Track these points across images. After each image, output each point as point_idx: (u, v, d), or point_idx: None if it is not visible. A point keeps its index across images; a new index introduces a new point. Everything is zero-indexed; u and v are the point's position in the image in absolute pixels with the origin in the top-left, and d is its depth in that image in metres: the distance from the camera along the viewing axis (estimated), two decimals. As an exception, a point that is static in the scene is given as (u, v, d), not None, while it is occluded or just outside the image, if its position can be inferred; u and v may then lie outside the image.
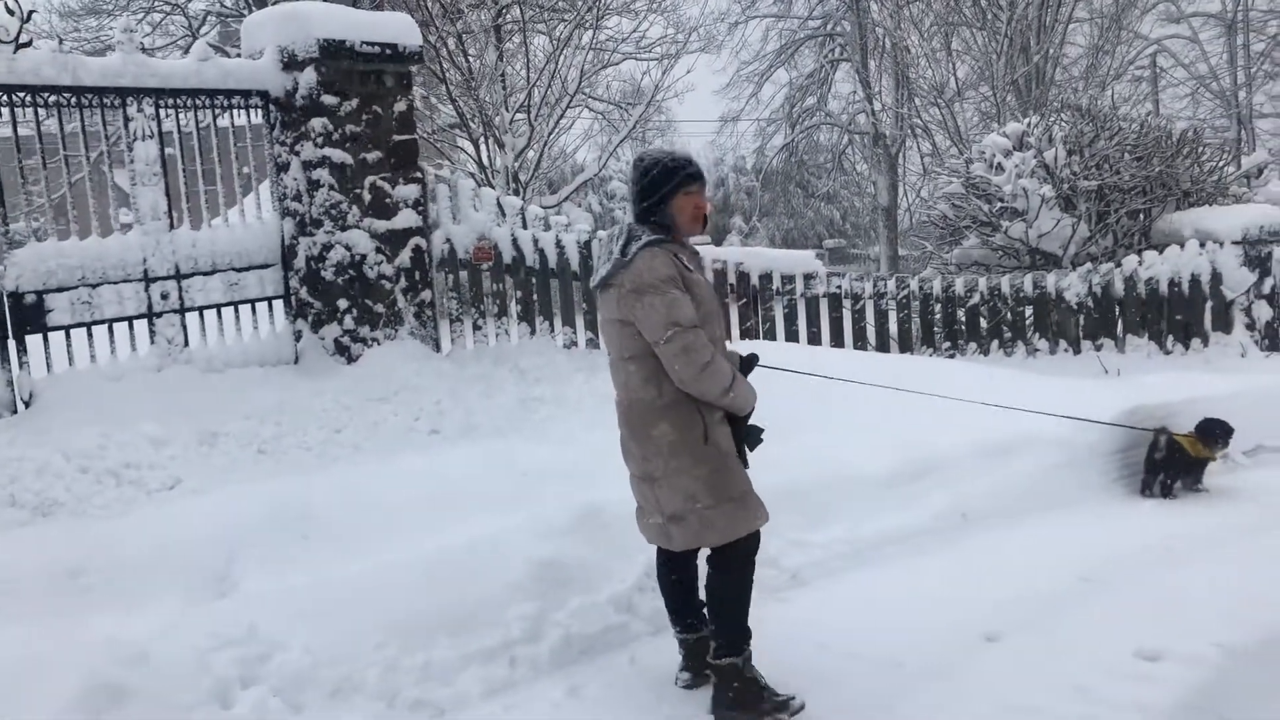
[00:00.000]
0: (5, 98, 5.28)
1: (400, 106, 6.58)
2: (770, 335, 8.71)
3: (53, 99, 5.42)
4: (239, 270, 6.13)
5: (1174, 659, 3.75)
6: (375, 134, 6.45)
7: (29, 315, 5.33)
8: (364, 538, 4.36)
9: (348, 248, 6.32)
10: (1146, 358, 9.43)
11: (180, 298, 5.86)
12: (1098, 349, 9.52)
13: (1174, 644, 3.84)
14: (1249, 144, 21.83)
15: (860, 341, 9.24)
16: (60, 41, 5.87)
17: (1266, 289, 9.71)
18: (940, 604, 4.35)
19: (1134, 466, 6.19)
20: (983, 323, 9.58)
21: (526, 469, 5.09)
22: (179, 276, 5.85)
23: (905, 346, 9.44)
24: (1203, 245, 9.68)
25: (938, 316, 9.60)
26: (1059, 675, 3.65)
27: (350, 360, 6.35)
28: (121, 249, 5.66)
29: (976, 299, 9.53)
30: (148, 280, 5.74)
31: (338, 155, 6.27)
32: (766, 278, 8.80)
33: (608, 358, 3.64)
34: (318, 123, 6.21)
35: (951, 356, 9.33)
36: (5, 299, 5.26)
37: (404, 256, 6.60)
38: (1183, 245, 9.72)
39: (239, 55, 6.66)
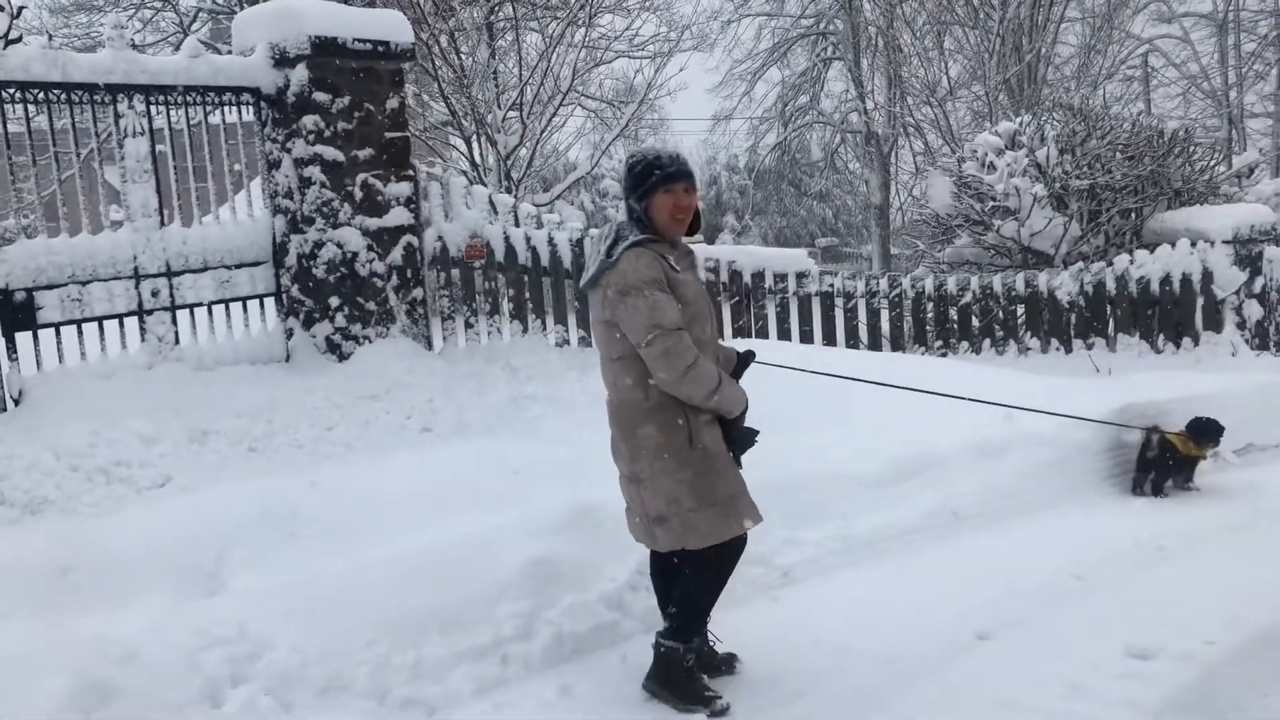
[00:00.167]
0: (-5, 94, 5.25)
1: (392, 104, 6.56)
2: (763, 334, 8.71)
3: (43, 96, 5.40)
4: (230, 268, 6.11)
5: (1165, 657, 3.77)
6: (367, 131, 6.43)
7: (19, 312, 5.31)
8: (355, 536, 4.35)
9: (339, 245, 6.31)
10: (1138, 356, 9.46)
11: (171, 295, 5.84)
12: (1089, 348, 9.55)
13: (1165, 642, 3.85)
14: (1240, 143, 21.90)
15: (853, 340, 9.25)
16: (50, 38, 5.85)
17: (1257, 288, 9.74)
18: (932, 602, 4.36)
19: (1125, 465, 6.21)
20: (975, 321, 9.59)
21: (518, 467, 5.08)
22: (170, 274, 5.83)
23: (897, 345, 9.45)
24: (1194, 244, 9.71)
25: (930, 315, 9.61)
26: (1050, 673, 3.66)
27: (342, 358, 6.33)
28: (112, 246, 5.64)
29: (969, 298, 9.55)
30: (138, 278, 5.71)
31: (329, 152, 6.25)
32: (759, 276, 8.80)
33: (599, 356, 3.64)
34: (309, 120, 6.20)
35: (944, 355, 9.35)
36: (-6, 296, 5.23)
37: (396, 254, 6.58)
38: (1174, 244, 9.75)
39: (230, 52, 6.63)
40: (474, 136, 14.01)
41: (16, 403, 5.25)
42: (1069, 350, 9.57)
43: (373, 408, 5.96)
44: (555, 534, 4.33)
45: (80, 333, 5.54)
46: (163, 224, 5.83)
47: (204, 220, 6.19)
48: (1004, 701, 3.48)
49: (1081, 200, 10.63)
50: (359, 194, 6.39)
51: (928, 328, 9.63)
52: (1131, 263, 9.70)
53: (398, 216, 6.58)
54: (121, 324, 5.70)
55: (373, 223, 6.46)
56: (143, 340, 5.75)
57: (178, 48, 6.44)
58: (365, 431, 5.75)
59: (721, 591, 3.61)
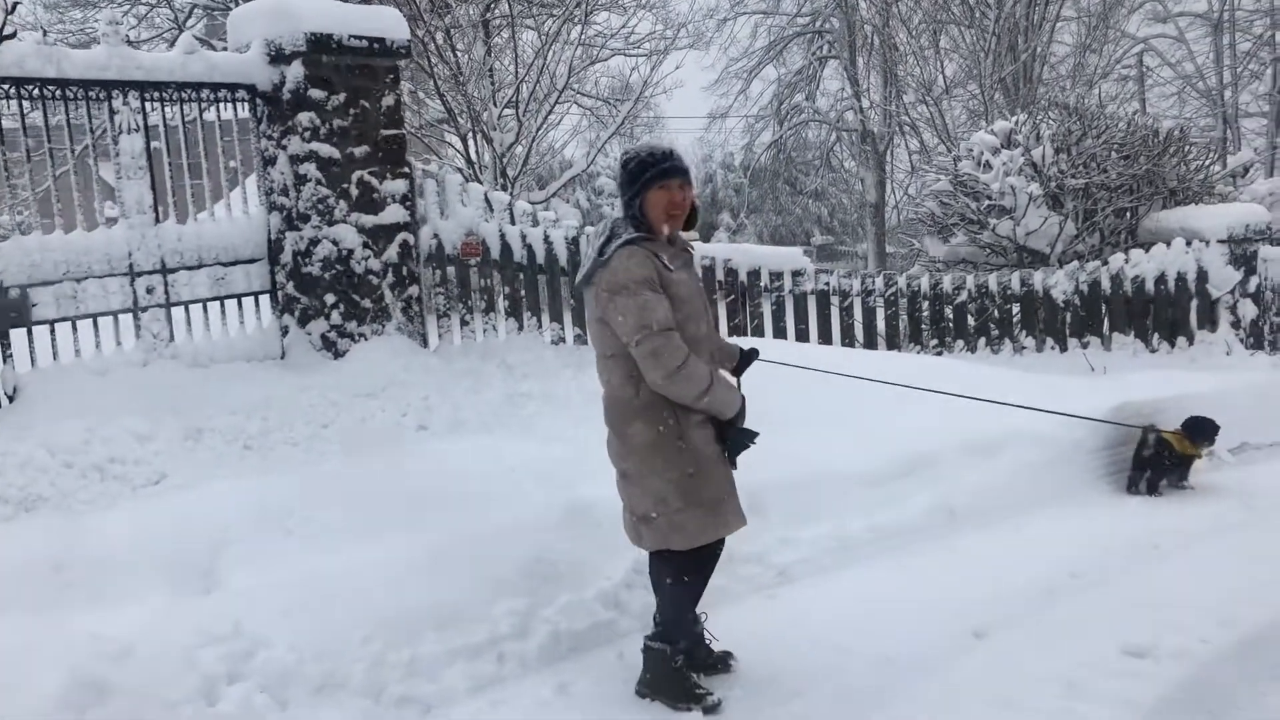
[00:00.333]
0: (-11, 90, 5.24)
1: (388, 101, 6.54)
2: (758, 332, 8.71)
3: (37, 91, 5.38)
4: (225, 265, 6.09)
5: (1160, 655, 3.78)
6: (363, 128, 6.42)
7: (13, 309, 5.29)
8: (350, 534, 4.34)
9: (335, 242, 6.29)
10: (1132, 355, 9.47)
11: (166, 292, 5.82)
12: (1084, 347, 9.56)
13: (1161, 640, 3.86)
14: (1235, 143, 21.95)
15: (848, 339, 9.25)
16: (45, 34, 5.82)
17: (1252, 287, 9.76)
18: (929, 600, 4.37)
19: (1120, 463, 6.22)
20: (970, 320, 9.60)
21: (514, 465, 5.08)
22: (164, 271, 5.81)
23: (893, 344, 9.46)
24: (1188, 244, 9.72)
25: (925, 314, 9.62)
26: (1047, 671, 3.66)
27: (337, 356, 6.32)
28: (107, 243, 5.62)
29: (964, 297, 9.56)
30: (133, 275, 5.70)
31: (325, 150, 6.24)
32: (754, 275, 8.80)
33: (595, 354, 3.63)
34: (305, 117, 6.18)
35: (939, 354, 9.35)
36: (-11, 293, 5.22)
37: (391, 252, 6.57)
38: (1169, 243, 9.76)
39: (226, 48, 6.61)
40: (470, 134, 13.99)
41: (11, 399, 5.23)
42: (1064, 349, 9.58)
43: (368, 405, 5.95)
44: (552, 532, 4.33)
45: (75, 330, 5.53)
46: (158, 221, 5.82)
47: (199, 217, 6.17)
48: (1001, 700, 3.48)
49: (1077, 199, 10.64)
50: (355, 191, 6.38)
51: (923, 326, 9.63)
52: (1126, 262, 9.71)
53: (393, 214, 6.57)
54: (116, 321, 5.68)
55: (368, 220, 6.44)
56: (137, 337, 5.73)
57: (173, 44, 6.42)
58: (361, 429, 5.74)
59: (702, 592, 3.62)
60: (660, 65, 17.24)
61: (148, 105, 5.78)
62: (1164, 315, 9.67)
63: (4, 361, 5.26)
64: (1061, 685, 3.56)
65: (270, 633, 3.61)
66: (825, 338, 9.09)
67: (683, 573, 3.53)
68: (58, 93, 5.45)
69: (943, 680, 3.66)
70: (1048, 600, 4.35)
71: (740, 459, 3.55)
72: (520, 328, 7.37)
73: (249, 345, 6.18)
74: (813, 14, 24.45)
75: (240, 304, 6.22)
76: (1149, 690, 3.52)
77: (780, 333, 8.85)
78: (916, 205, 13.60)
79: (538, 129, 15.35)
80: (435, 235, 6.96)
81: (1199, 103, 23.33)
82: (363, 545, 4.22)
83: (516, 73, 14.84)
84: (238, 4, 6.48)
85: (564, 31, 15.01)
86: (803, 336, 8.97)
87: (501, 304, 7.37)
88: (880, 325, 9.46)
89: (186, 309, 5.94)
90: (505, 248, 7.27)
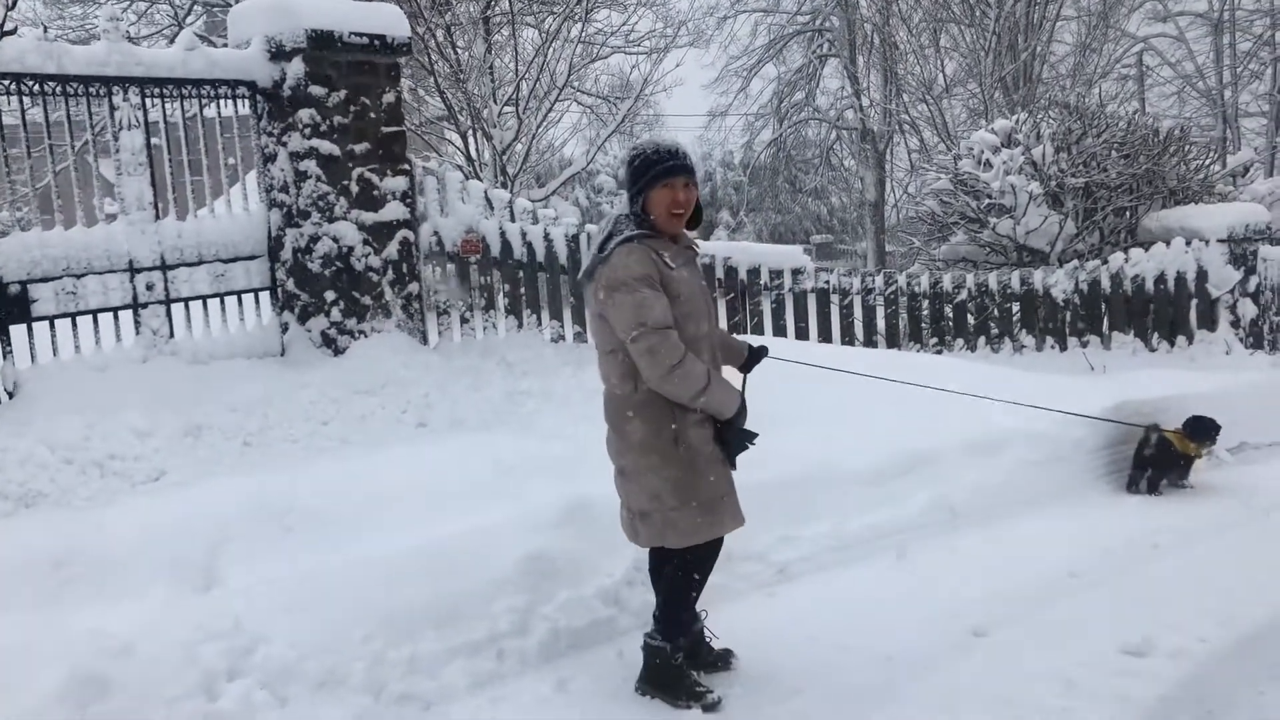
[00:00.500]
0: (-11, 86, 5.23)
1: (388, 98, 6.54)
2: (758, 330, 8.70)
3: (38, 87, 5.38)
4: (225, 261, 6.09)
5: (1159, 654, 3.78)
6: (363, 125, 6.42)
7: (13, 305, 5.29)
8: (350, 531, 4.35)
9: (335, 239, 6.29)
10: (1132, 355, 9.47)
11: (166, 289, 5.82)
12: (1084, 346, 9.56)
13: (1159, 639, 3.87)
14: (1235, 143, 21.94)
15: (848, 337, 9.25)
16: (45, 30, 5.82)
17: (1251, 287, 9.77)
18: (928, 599, 4.37)
19: (1119, 462, 6.22)
20: (970, 319, 9.59)
21: (514, 462, 5.07)
22: (164, 267, 5.81)
23: (893, 342, 9.45)
24: (1188, 243, 9.73)
25: (925, 313, 9.61)
26: (1046, 669, 3.67)
27: (337, 353, 6.32)
28: (106, 239, 5.62)
29: (964, 295, 9.55)
30: (133, 271, 5.69)
31: (325, 146, 6.24)
32: (754, 273, 8.79)
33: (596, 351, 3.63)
34: (305, 113, 6.18)
35: (939, 353, 9.35)
36: (-11, 289, 5.22)
37: (391, 249, 6.57)
38: (1168, 243, 9.76)
39: (226, 45, 6.61)
40: (470, 131, 13.99)
41: (11, 396, 5.23)
42: (1064, 348, 9.58)
43: (368, 402, 5.95)
44: (551, 529, 4.33)
45: (75, 326, 5.53)
46: (158, 217, 5.82)
47: (199, 214, 6.17)
48: (1000, 698, 3.48)
49: (1077, 198, 10.64)
50: (355, 188, 6.38)
51: (923, 325, 9.62)
52: (1126, 261, 9.71)
53: (394, 211, 6.57)
54: (116, 317, 5.68)
55: (369, 217, 6.44)
56: (137, 334, 5.73)
57: (173, 40, 6.42)
58: (360, 426, 5.74)
59: (701, 591, 3.62)
60: (660, 63, 17.28)
61: (148, 101, 5.78)
62: (1164, 314, 9.68)
63: (4, 358, 5.26)
64: (1061, 684, 3.56)
65: (270, 629, 3.61)
66: (825, 336, 9.09)
67: (681, 570, 3.53)
68: (58, 89, 5.45)
69: (942, 679, 3.67)
70: (1047, 599, 4.35)
71: (740, 458, 3.54)
72: (520, 325, 7.38)
73: (249, 342, 6.18)
74: (813, 12, 24.42)
75: (240, 301, 6.22)
76: (1148, 689, 3.53)
77: (780, 331, 8.84)
78: (916, 204, 13.60)
79: (538, 126, 15.35)
80: (435, 232, 6.96)
81: (1199, 102, 23.32)
82: (362, 542, 4.22)
83: (517, 70, 14.83)
84: (238, 0, 6.47)
85: (564, 29, 15.00)
86: (802, 335, 8.97)
87: (501, 301, 7.37)
88: (880, 324, 9.45)
89: (186, 305, 5.94)
90: (505, 245, 7.27)
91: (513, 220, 7.34)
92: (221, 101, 6.13)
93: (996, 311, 9.61)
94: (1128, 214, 10.84)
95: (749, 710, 3.49)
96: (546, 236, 7.40)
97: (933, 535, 5.16)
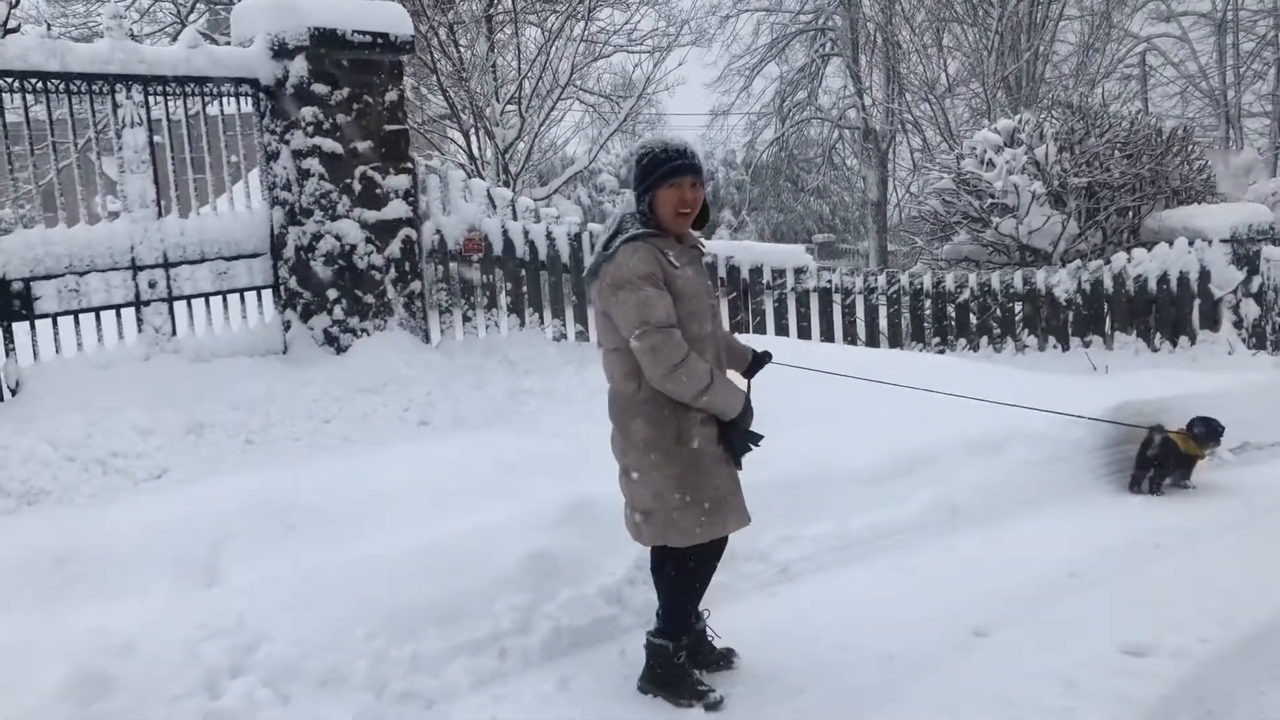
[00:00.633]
0: (-7, 83, 5.24)
1: (391, 96, 6.55)
2: (760, 329, 8.70)
3: (40, 85, 5.38)
4: (228, 259, 6.10)
5: (1160, 654, 3.79)
6: (366, 124, 6.42)
7: (16, 303, 5.30)
8: (352, 529, 4.35)
9: (338, 238, 6.30)
10: (1134, 355, 9.48)
11: (168, 286, 5.83)
12: (1086, 346, 9.56)
13: (1160, 639, 3.87)
14: (1237, 143, 21.91)
15: (850, 336, 9.25)
16: (49, 27, 5.82)
17: (1254, 287, 9.76)
18: (929, 598, 4.37)
19: (1121, 463, 6.22)
20: (972, 319, 9.59)
21: (516, 461, 5.08)
22: (167, 265, 5.82)
23: (895, 342, 9.45)
24: (1191, 243, 9.73)
25: (928, 312, 9.61)
26: (1046, 669, 3.67)
27: (339, 351, 6.33)
28: (109, 237, 5.62)
29: (966, 295, 9.55)
30: (135, 268, 5.70)
31: (328, 144, 6.24)
32: (756, 272, 8.80)
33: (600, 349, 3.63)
34: (308, 111, 6.18)
35: (941, 352, 9.35)
36: (-8, 286, 5.22)
37: (394, 247, 6.57)
38: (1171, 243, 9.76)
39: (229, 43, 6.61)
40: (472, 130, 13.99)
41: (13, 393, 5.23)
42: (1066, 348, 9.58)
43: (370, 401, 5.95)
44: (553, 528, 4.34)
45: (77, 323, 5.53)
46: (160, 215, 5.82)
47: (201, 211, 6.17)
48: (1001, 698, 3.49)
49: (1080, 198, 10.64)
50: (357, 186, 6.38)
51: (925, 325, 9.62)
52: (1129, 261, 9.71)
53: (396, 209, 6.57)
54: (118, 315, 5.68)
55: (371, 215, 6.45)
56: (140, 331, 5.73)
57: (175, 38, 6.42)
58: (363, 424, 5.75)
59: (704, 590, 3.62)
60: (663, 62, 17.23)
61: (151, 99, 5.78)
62: (1166, 315, 9.68)
63: (7, 355, 5.27)
64: (1061, 684, 3.56)
65: (272, 627, 3.61)
66: (827, 335, 9.09)
67: (684, 569, 3.53)
68: (61, 86, 5.45)
69: (943, 678, 3.67)
70: (1047, 599, 4.35)
71: (744, 459, 3.54)
72: (522, 324, 7.38)
73: (251, 340, 6.18)
74: (815, 11, 24.39)
75: (242, 298, 6.22)
76: (1149, 689, 3.53)
77: (782, 330, 8.85)
78: (919, 203, 13.59)
79: (540, 125, 15.35)
80: (438, 231, 6.96)
81: (1202, 102, 23.28)
82: (364, 541, 4.23)
83: (519, 69, 14.83)
84: (241, -2, 6.47)
85: (567, 28, 15.00)
86: (805, 334, 8.97)
87: (503, 300, 7.37)
88: (882, 323, 9.45)
89: (189, 303, 5.94)
90: (507, 244, 7.27)
91: (515, 219, 7.34)
92: (224, 99, 6.14)
93: (999, 311, 9.61)
94: (1130, 214, 10.84)
95: (751, 709, 3.50)
96: (549, 235, 7.41)
97: (933, 535, 5.17)
